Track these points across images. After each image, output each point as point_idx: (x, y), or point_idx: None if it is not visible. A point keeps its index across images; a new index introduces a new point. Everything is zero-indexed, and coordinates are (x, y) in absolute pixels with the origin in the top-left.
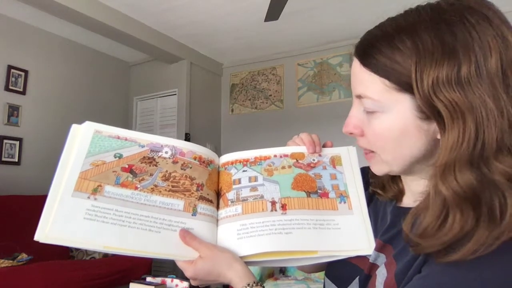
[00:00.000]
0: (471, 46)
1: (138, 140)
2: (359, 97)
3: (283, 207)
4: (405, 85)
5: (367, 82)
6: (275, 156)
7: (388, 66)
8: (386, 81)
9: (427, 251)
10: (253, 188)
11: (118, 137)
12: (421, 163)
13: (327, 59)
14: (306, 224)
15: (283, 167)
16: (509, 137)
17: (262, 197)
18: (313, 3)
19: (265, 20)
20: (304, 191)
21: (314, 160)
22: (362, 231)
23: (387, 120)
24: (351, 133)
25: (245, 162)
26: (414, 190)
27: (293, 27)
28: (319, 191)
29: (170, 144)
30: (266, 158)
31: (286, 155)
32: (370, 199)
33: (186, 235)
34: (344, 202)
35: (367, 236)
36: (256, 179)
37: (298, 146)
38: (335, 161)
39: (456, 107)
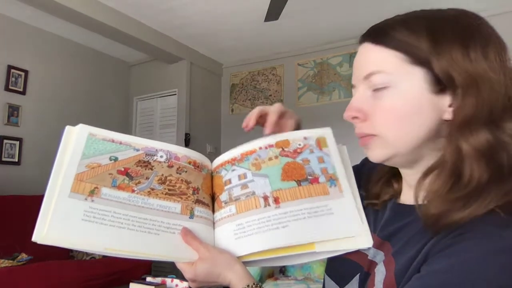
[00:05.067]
0: (476, 32)
1: (132, 144)
2: (368, 76)
3: (276, 200)
4: (419, 58)
5: (379, 58)
6: (260, 148)
7: (402, 41)
8: (400, 54)
9: (435, 211)
10: (244, 186)
11: (113, 141)
12: (424, 147)
13: (327, 59)
14: (301, 214)
15: (270, 159)
16: (510, 109)
17: (253, 193)
18: (313, 3)
19: (265, 20)
20: (294, 180)
21: (300, 144)
22: (355, 214)
23: (400, 94)
24: (354, 118)
25: (232, 162)
26: (425, 187)
27: (293, 27)
28: (309, 177)
29: (164, 148)
30: (252, 152)
31: (271, 145)
32: None
33: (188, 234)
34: (335, 186)
35: (361, 219)
36: (245, 176)
37: (281, 134)
38: (320, 143)
39: (469, 76)
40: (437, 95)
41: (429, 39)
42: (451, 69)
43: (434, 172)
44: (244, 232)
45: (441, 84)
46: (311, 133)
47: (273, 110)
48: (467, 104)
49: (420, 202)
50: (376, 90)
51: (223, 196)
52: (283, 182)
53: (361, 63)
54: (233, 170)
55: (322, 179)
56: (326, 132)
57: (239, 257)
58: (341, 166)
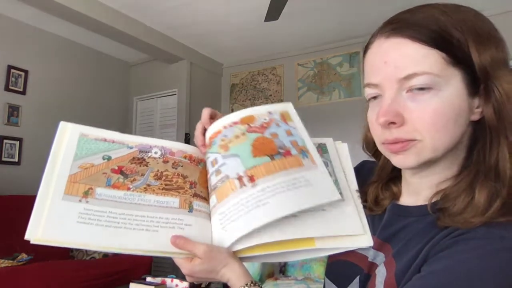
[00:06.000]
0: (498, 36)
1: (125, 142)
2: (410, 77)
3: (251, 179)
4: (460, 59)
5: (421, 58)
6: (225, 127)
7: (446, 39)
8: (444, 55)
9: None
10: (217, 172)
11: (105, 140)
12: (453, 148)
13: (327, 59)
14: (280, 188)
15: (237, 137)
16: None
17: (227, 177)
18: (313, 3)
19: (265, 20)
20: (267, 155)
21: (265, 119)
22: (330, 184)
23: (443, 97)
24: (391, 123)
25: (205, 150)
26: (419, 188)
27: (293, 27)
28: (280, 150)
29: (159, 144)
30: (218, 133)
31: (236, 122)
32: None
33: (178, 240)
34: (307, 157)
35: (360, 219)
36: (216, 161)
37: (244, 109)
38: (285, 117)
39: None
40: (471, 97)
41: (470, 39)
42: (491, 67)
43: (459, 176)
44: (227, 219)
45: (475, 86)
46: (274, 108)
47: (203, 118)
48: None
49: (412, 202)
50: (415, 92)
51: (208, 188)
52: (255, 158)
53: (396, 61)
54: (207, 158)
55: (294, 151)
56: (287, 107)
57: (235, 252)
58: (308, 139)
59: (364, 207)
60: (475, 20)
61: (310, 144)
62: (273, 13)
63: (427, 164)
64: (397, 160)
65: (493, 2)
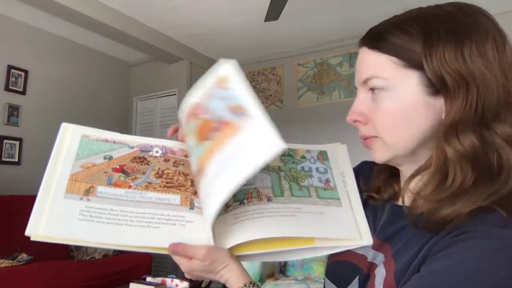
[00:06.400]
0: (472, 29)
1: (126, 142)
2: (366, 81)
3: (201, 170)
4: (413, 62)
5: (375, 63)
6: (184, 128)
7: (397, 45)
8: (395, 59)
9: (421, 210)
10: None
11: (106, 140)
12: (424, 148)
13: (327, 59)
14: (221, 168)
15: (188, 132)
16: (506, 108)
17: (195, 175)
18: (313, 3)
19: (265, 20)
20: (206, 139)
21: (203, 97)
22: (270, 136)
23: (396, 97)
24: (355, 121)
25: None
26: (412, 188)
27: (293, 27)
28: (217, 125)
29: (159, 144)
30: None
31: (186, 117)
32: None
33: (177, 248)
34: (243, 115)
35: (356, 220)
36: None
37: (186, 100)
38: (221, 82)
39: (460, 77)
40: (433, 96)
41: (422, 41)
42: (443, 71)
43: (422, 173)
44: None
45: (436, 86)
46: (211, 79)
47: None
48: (455, 107)
49: (407, 202)
50: (374, 93)
51: None
52: (199, 147)
53: (359, 68)
54: None
55: (228, 117)
56: (226, 68)
57: (232, 249)
58: (244, 91)
59: (367, 198)
60: (450, 18)
61: (247, 98)
62: (273, 13)
63: (405, 161)
64: (371, 154)
65: (493, 2)
